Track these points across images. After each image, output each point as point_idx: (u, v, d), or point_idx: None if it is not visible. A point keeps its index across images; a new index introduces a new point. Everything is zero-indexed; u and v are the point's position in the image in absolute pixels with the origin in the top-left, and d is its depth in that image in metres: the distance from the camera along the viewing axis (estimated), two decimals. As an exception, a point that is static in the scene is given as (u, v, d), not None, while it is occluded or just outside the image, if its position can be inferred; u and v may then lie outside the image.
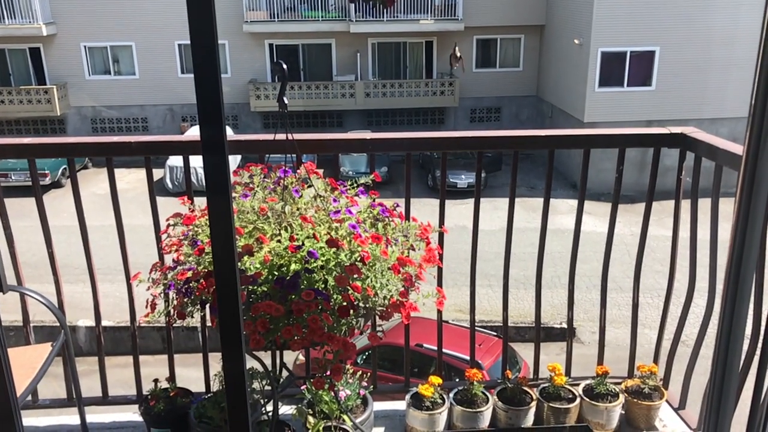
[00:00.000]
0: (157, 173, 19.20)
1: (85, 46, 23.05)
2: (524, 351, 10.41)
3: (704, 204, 2.54)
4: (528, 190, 18.47)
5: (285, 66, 1.99)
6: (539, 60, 24.17)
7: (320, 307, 1.78)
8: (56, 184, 19.36)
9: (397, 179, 17.78)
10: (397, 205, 2.26)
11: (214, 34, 0.99)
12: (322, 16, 22.51)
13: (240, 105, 23.52)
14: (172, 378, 2.81)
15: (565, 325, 11.44)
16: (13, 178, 17.89)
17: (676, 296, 2.93)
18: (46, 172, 18.61)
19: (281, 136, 2.18)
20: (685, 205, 2.69)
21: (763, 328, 2.33)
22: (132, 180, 18.20)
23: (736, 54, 18.34)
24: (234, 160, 7.66)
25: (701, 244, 2.65)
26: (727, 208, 1.52)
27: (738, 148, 2.26)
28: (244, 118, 23.96)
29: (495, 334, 9.76)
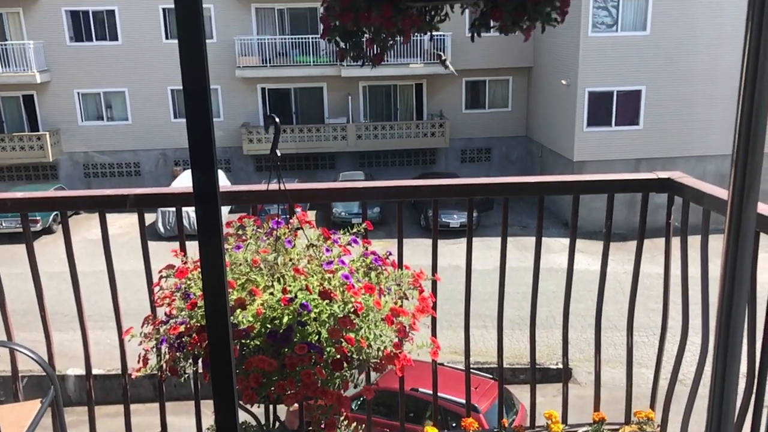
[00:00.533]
0: (150, 217, 19.19)
1: (78, 93, 23.28)
2: (521, 393, 10.29)
3: (696, 240, 2.56)
4: (520, 229, 18.55)
5: (277, 119, 2.02)
6: (528, 100, 24.56)
7: (313, 361, 1.77)
8: (47, 230, 19.29)
9: (389, 220, 17.83)
10: (390, 253, 2.27)
11: (207, 90, 1.01)
12: (313, 61, 22.87)
13: (233, 149, 23.67)
14: (164, 429, 2.76)
15: (561, 366, 11.34)
16: (3, 224, 17.84)
17: (672, 334, 2.93)
18: (38, 218, 18.56)
19: (274, 186, 2.20)
20: (676, 242, 2.71)
21: (757, 367, 2.32)
22: (124, 225, 18.15)
23: (719, 92, 18.72)
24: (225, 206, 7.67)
25: (694, 281, 2.66)
26: (718, 244, 1.53)
27: (724, 193, 2.29)
28: (236, 161, 24.09)
29: (491, 376, 9.66)
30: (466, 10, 1.51)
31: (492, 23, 1.29)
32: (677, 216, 2.68)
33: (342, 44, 1.44)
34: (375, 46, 1.48)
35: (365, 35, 1.45)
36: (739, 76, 1.05)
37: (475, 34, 1.35)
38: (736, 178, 1.08)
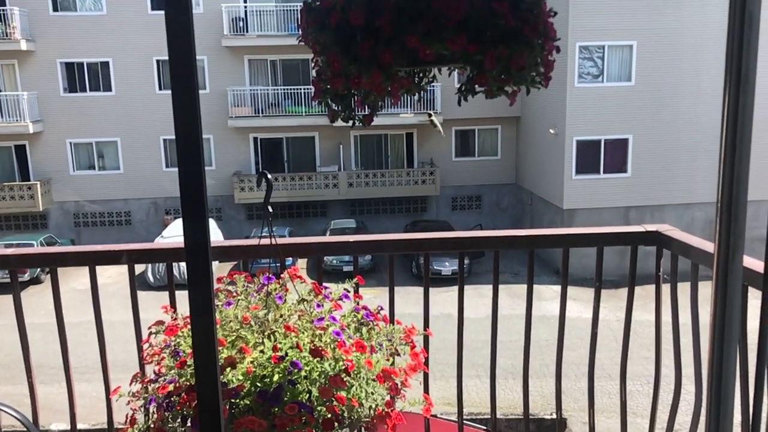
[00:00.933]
0: (139, 266, 19.05)
1: (70, 143, 23.41)
2: (516, 444, 10.10)
3: (686, 287, 2.57)
4: (512, 276, 18.52)
5: (269, 175, 2.04)
6: (517, 149, 24.90)
7: (304, 420, 1.74)
8: (35, 280, 19.08)
9: (381, 268, 17.78)
10: (381, 308, 2.26)
11: (199, 139, 1.02)
12: (305, 111, 23.19)
13: (224, 197, 23.73)
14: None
15: (555, 416, 11.16)
16: (-9, 274, 17.64)
17: (666, 383, 2.91)
18: (24, 269, 18.38)
19: (265, 240, 2.20)
20: (667, 289, 2.72)
21: (751, 415, 2.31)
22: (114, 274, 17.99)
23: (704, 140, 19.08)
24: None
25: (686, 329, 2.66)
26: (708, 290, 1.54)
27: (711, 246, 2.32)
28: (227, 210, 24.12)
29: (485, 428, 9.49)
30: (454, 71, 1.56)
31: (478, 88, 1.33)
32: (667, 266, 2.70)
33: (333, 106, 1.47)
34: (365, 107, 1.52)
35: (355, 97, 1.49)
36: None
37: (462, 98, 1.38)
38: (721, 238, 1.11)
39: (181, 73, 0.97)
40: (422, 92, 1.58)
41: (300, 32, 1.46)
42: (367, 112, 1.55)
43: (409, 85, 1.49)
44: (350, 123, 1.52)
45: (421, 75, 1.53)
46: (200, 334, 1.06)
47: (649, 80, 19.60)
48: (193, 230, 1.01)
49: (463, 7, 1.18)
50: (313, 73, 1.48)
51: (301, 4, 1.40)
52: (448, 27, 1.19)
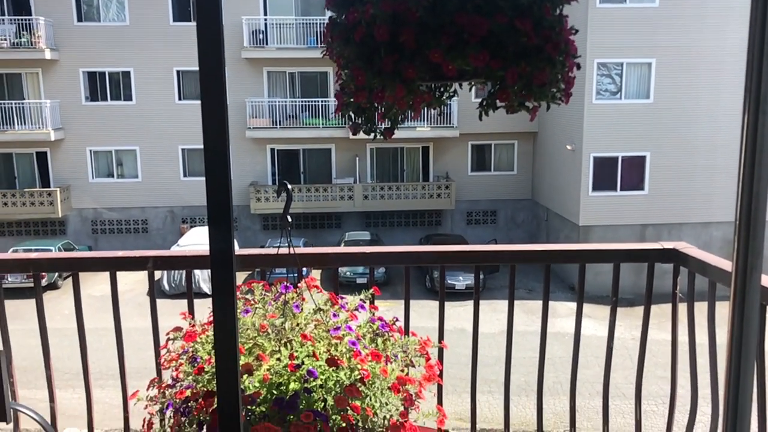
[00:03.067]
0: (156, 273, 19.17)
1: (90, 150, 23.71)
2: (528, 462, 10.00)
3: (703, 307, 2.56)
4: (527, 292, 18.43)
5: (289, 186, 2.07)
6: (533, 164, 24.84)
7: (319, 429, 1.75)
8: (52, 286, 19.29)
9: (395, 280, 17.78)
10: (396, 319, 2.27)
11: (227, 150, 1.05)
12: (322, 123, 23.34)
13: (240, 207, 23.89)
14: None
15: (568, 434, 11.04)
16: (8, 279, 17.85)
17: (682, 403, 2.88)
18: (43, 273, 18.57)
19: (284, 250, 2.23)
20: (683, 308, 2.71)
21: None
22: (129, 281, 18.14)
23: (723, 159, 18.92)
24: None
25: (702, 349, 2.64)
26: (725, 310, 1.54)
27: (728, 264, 2.31)
28: (243, 220, 24.26)
29: (497, 444, 9.41)
30: (474, 86, 1.58)
31: (499, 103, 1.35)
32: (683, 284, 2.69)
33: (355, 119, 1.50)
34: (386, 120, 1.54)
35: (377, 110, 1.52)
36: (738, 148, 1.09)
37: (483, 113, 1.40)
38: (739, 257, 1.11)
39: (210, 84, 1.00)
40: (442, 106, 1.61)
41: (325, 46, 1.49)
42: (388, 126, 1.58)
43: (430, 99, 1.52)
44: (372, 136, 1.55)
45: (442, 89, 1.55)
46: (223, 340, 1.08)
47: (667, 98, 19.51)
48: (219, 238, 1.04)
49: (486, 24, 1.21)
50: (337, 86, 1.51)
51: (323, 17, 1.43)
52: (470, 43, 1.21)
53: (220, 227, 1.04)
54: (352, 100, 1.40)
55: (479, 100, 1.48)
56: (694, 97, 19.32)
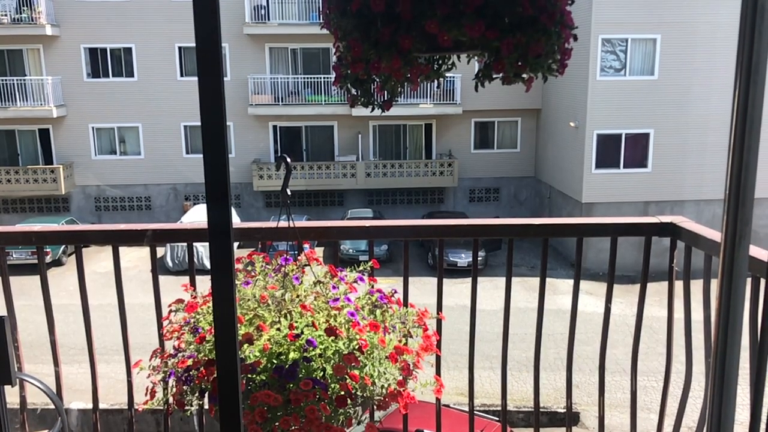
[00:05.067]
0: (159, 251, 19.30)
1: (93, 127, 23.69)
2: (527, 436, 10.14)
3: (700, 284, 2.58)
4: (528, 269, 18.49)
5: (289, 159, 2.09)
6: (536, 141, 24.75)
7: (318, 397, 1.79)
8: (57, 262, 19.42)
9: (397, 257, 17.85)
10: (395, 291, 2.30)
11: (224, 128, 1.06)
12: (324, 100, 23.25)
13: (243, 185, 23.91)
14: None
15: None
16: (14, 256, 17.96)
17: (680, 379, 2.92)
18: (47, 250, 18.68)
19: (284, 223, 2.25)
20: (681, 286, 2.73)
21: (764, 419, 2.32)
22: (133, 258, 18.24)
23: (727, 138, 18.79)
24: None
25: (698, 326, 2.67)
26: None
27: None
28: (246, 197, 24.29)
29: (497, 419, 9.53)
30: (472, 58, 1.59)
31: (495, 74, 1.36)
32: (680, 260, 2.71)
33: (353, 91, 1.51)
34: (384, 92, 1.55)
35: (375, 82, 1.53)
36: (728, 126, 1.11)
37: (479, 84, 1.41)
38: (728, 225, 1.13)
39: (207, 61, 1.01)
40: (441, 79, 1.61)
41: (322, 18, 1.49)
42: (386, 98, 1.58)
43: (428, 71, 1.52)
44: (370, 108, 1.56)
45: (440, 62, 1.56)
46: (221, 306, 1.11)
47: (672, 74, 19.36)
48: (217, 213, 1.06)
49: (482, -6, 1.21)
50: (334, 58, 1.51)
51: (323, -9, 1.44)
52: (466, 13, 1.22)
53: (218, 201, 1.06)
54: (349, 71, 1.41)
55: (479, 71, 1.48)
56: (699, 74, 19.16)
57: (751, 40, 1.03)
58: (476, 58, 1.51)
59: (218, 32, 1.02)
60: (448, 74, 1.60)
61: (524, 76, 1.35)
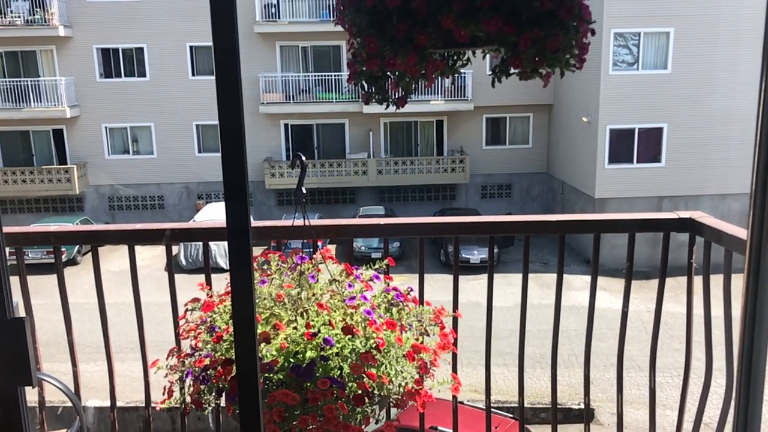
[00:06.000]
0: (172, 250, 19.39)
1: (106, 127, 23.84)
2: (542, 433, 10.11)
3: (719, 280, 2.55)
4: (541, 265, 18.42)
5: (303, 158, 2.08)
6: (548, 137, 24.61)
7: (335, 396, 1.79)
8: (72, 262, 19.57)
9: (410, 255, 17.83)
10: (411, 289, 2.29)
11: (242, 127, 1.06)
12: (335, 98, 23.24)
13: (255, 183, 23.97)
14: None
15: (583, 406, 11.13)
16: (29, 255, 18.12)
17: (697, 375, 2.89)
18: (63, 249, 18.85)
19: (299, 222, 2.25)
20: (699, 281, 2.70)
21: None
22: (147, 257, 18.36)
23: (741, 131, 18.63)
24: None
25: (717, 321, 2.64)
26: (741, 283, 1.53)
27: (745, 233, 2.29)
28: (258, 195, 24.36)
29: (512, 416, 9.51)
30: (487, 54, 1.57)
31: (512, 70, 1.34)
32: (699, 256, 2.68)
33: (367, 88, 1.50)
34: (399, 89, 1.54)
35: (389, 79, 1.51)
36: (755, 115, 1.08)
37: (496, 80, 1.40)
38: (755, 219, 1.10)
39: (225, 61, 1.01)
40: (456, 75, 1.60)
41: (336, 15, 1.48)
42: (400, 95, 1.57)
43: (443, 67, 1.51)
44: (384, 105, 1.55)
45: (455, 58, 1.54)
46: (240, 310, 1.10)
47: (686, 68, 19.16)
48: (236, 212, 1.05)
49: (499, -11, 1.20)
50: (349, 55, 1.50)
51: (336, -12, 1.43)
52: (483, 8, 1.20)
53: (236, 200, 1.06)
54: (364, 68, 1.40)
55: (495, 66, 1.47)
56: (712, 68, 18.96)
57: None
58: (491, 53, 1.49)
59: (236, 32, 1.02)
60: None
61: (542, 71, 1.33)
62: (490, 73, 1.41)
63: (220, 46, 1.02)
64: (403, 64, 1.30)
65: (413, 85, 1.54)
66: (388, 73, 1.43)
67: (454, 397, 2.55)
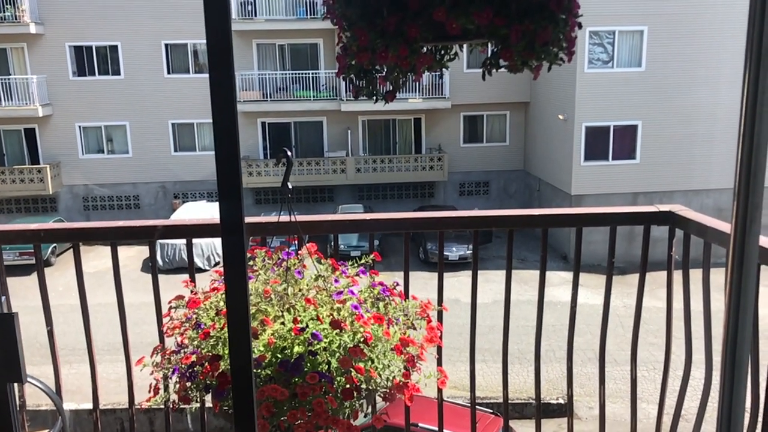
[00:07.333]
0: (146, 250, 19.19)
1: (79, 126, 23.48)
2: (522, 428, 10.19)
3: (697, 274, 2.59)
4: (519, 262, 18.54)
5: (289, 153, 2.08)
6: (525, 135, 24.82)
7: (324, 390, 1.79)
8: (46, 263, 19.24)
9: (389, 252, 17.84)
10: (397, 284, 2.30)
11: (235, 124, 1.06)
12: (313, 96, 23.17)
13: (232, 181, 23.76)
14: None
15: (561, 401, 11.25)
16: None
17: (673, 368, 2.93)
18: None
19: (284, 218, 2.24)
20: (678, 276, 2.74)
21: (762, 403, 2.34)
22: (122, 257, 18.03)
23: (716, 127, 18.97)
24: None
25: (696, 315, 2.68)
26: (719, 278, 1.55)
27: (725, 226, 2.34)
28: (235, 194, 24.17)
29: (492, 411, 9.58)
30: (475, 48, 1.58)
31: (502, 62, 1.35)
32: (678, 249, 2.72)
33: (357, 82, 1.50)
34: (388, 83, 1.55)
35: (379, 73, 1.52)
36: (739, 114, 1.10)
37: (486, 72, 1.41)
38: (738, 212, 1.13)
39: (218, 57, 1.00)
40: (442, 69, 1.61)
41: (325, 9, 1.48)
42: (389, 89, 1.58)
43: (432, 61, 1.52)
44: (373, 100, 1.55)
45: (443, 52, 1.55)
46: (234, 306, 1.10)
47: (660, 66, 19.46)
48: (230, 209, 1.05)
49: (489, -18, 1.21)
50: (338, 49, 1.50)
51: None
52: (474, 1, 1.21)
53: (231, 194, 1.05)
54: (354, 62, 1.40)
55: (471, 71, 1.48)
56: (686, 65, 19.28)
57: (761, 25, 1.03)
58: (479, 47, 1.50)
59: (229, 28, 1.02)
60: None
61: (531, 64, 1.34)
62: (481, 66, 1.42)
63: (213, 41, 1.02)
64: (394, 56, 1.31)
65: (402, 80, 1.55)
66: (378, 66, 1.44)
67: (440, 390, 2.56)
